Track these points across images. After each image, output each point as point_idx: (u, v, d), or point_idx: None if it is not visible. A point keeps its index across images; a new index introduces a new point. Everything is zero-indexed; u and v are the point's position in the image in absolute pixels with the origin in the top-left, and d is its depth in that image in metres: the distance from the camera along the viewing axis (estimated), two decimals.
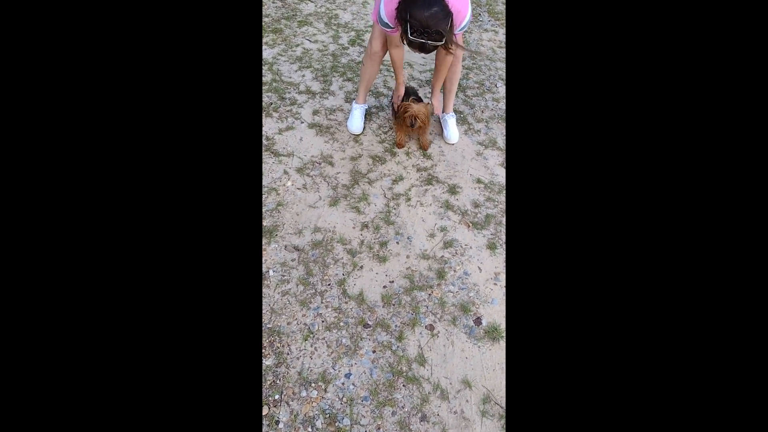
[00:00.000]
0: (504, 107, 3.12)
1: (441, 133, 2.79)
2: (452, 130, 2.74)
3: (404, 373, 1.65)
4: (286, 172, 2.43)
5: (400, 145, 2.65)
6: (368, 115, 2.90)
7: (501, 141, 2.81)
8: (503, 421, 1.55)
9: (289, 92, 3.03)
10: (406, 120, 2.39)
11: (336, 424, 1.50)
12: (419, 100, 2.55)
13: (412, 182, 2.46)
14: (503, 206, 2.37)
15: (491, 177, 2.54)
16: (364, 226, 2.19)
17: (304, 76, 3.22)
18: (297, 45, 3.57)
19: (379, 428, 1.51)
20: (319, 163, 2.51)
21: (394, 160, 2.60)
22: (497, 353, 1.75)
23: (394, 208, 2.30)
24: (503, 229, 2.24)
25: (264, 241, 2.06)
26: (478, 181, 2.51)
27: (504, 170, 2.60)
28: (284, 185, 2.36)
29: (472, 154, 2.69)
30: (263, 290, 1.86)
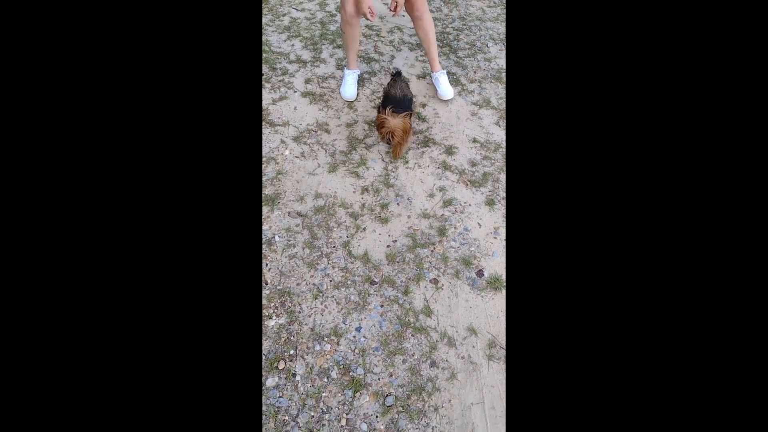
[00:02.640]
0: (496, 67, 3.11)
1: (435, 93, 2.80)
2: (444, 86, 2.74)
3: (412, 324, 1.73)
4: (283, 141, 2.44)
5: (396, 156, 2.39)
6: (361, 81, 2.88)
7: (495, 100, 2.82)
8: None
9: (280, 62, 2.99)
10: (382, 136, 2.21)
11: (350, 374, 1.58)
12: (407, 101, 2.30)
13: (408, 145, 2.48)
14: (500, 164, 2.40)
15: (487, 136, 2.56)
16: (365, 189, 2.23)
17: (293, 45, 3.17)
18: (284, 14, 3.50)
19: (391, 375, 1.59)
20: (315, 131, 2.52)
21: None
22: (500, 302, 1.82)
23: (393, 171, 2.33)
24: (501, 186, 2.29)
25: (267, 208, 2.09)
26: (474, 140, 2.53)
27: (499, 129, 2.62)
28: (282, 154, 2.37)
29: (466, 114, 2.71)
30: (271, 255, 1.91)
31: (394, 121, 2.15)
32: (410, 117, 2.22)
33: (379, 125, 2.20)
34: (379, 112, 2.28)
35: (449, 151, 2.45)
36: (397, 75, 2.41)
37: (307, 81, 2.86)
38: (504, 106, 2.79)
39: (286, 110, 2.63)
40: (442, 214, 2.14)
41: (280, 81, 2.83)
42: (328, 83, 2.86)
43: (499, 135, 2.58)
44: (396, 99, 2.27)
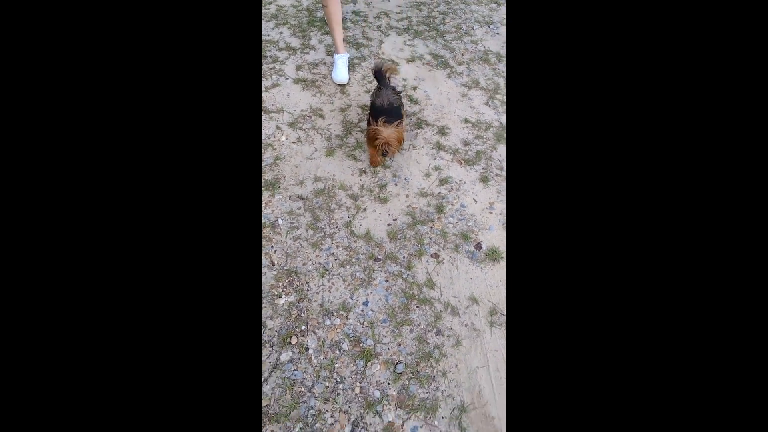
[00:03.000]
0: (482, 49, 3.16)
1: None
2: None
3: (416, 297, 1.80)
4: (278, 128, 2.47)
5: (374, 164, 2.31)
6: (351, 66, 2.91)
7: (483, 81, 2.88)
8: None
9: (270, 50, 3.00)
10: (377, 149, 2.10)
11: (361, 345, 1.65)
12: (394, 110, 2.21)
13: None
14: (492, 142, 2.47)
15: (477, 116, 2.63)
16: (362, 171, 2.28)
17: (281, 33, 3.17)
18: (270, 2, 3.49)
19: (399, 344, 1.66)
20: (310, 117, 2.55)
21: None
22: (498, 272, 1.91)
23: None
24: (494, 163, 2.36)
25: (268, 193, 2.13)
26: (466, 120, 2.60)
27: (489, 108, 2.68)
28: (279, 140, 2.40)
29: (456, 96, 2.76)
30: (275, 237, 1.96)
31: (388, 132, 2.05)
32: (401, 125, 2.13)
33: (371, 137, 2.09)
34: (369, 123, 2.19)
35: (442, 131, 2.52)
36: (378, 74, 2.28)
37: (298, 68, 2.87)
38: (492, 86, 2.85)
39: (279, 97, 2.65)
40: (439, 192, 2.21)
41: (271, 69, 2.84)
42: (319, 69, 2.88)
43: (490, 115, 2.65)
44: (383, 109, 2.17)
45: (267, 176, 2.21)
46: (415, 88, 2.79)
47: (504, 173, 2.32)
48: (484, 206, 2.16)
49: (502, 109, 2.70)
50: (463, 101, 2.72)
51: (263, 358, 1.58)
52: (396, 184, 2.23)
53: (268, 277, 1.81)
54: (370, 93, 2.40)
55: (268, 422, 1.44)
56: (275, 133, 2.44)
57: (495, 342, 1.69)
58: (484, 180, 2.27)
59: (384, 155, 2.10)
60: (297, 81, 2.77)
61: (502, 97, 2.78)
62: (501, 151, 2.44)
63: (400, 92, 2.38)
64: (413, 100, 2.71)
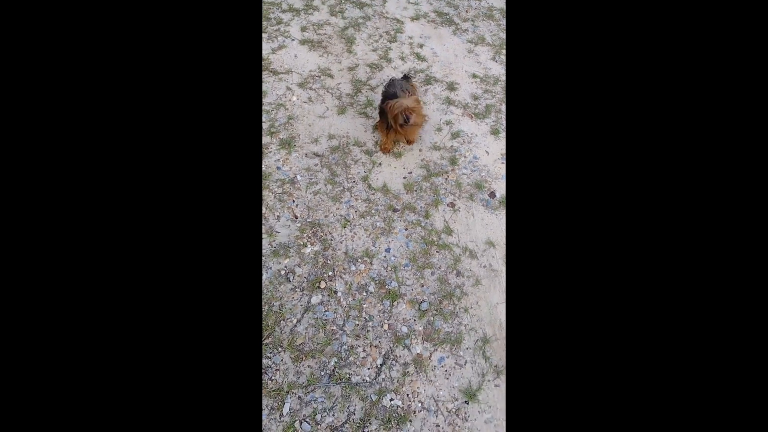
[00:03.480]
0: (486, 5, 3.15)
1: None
2: None
3: (435, 242, 1.88)
4: (289, 88, 2.48)
5: (386, 150, 2.20)
6: (356, 26, 2.90)
7: (489, 37, 2.88)
8: None
9: (273, 12, 2.97)
10: (398, 117, 1.96)
11: (386, 287, 1.74)
12: (410, 84, 2.14)
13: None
14: (501, 96, 2.51)
15: (485, 71, 2.65)
16: (375, 128, 2.31)
17: None
18: None
19: (422, 285, 1.75)
20: (319, 77, 2.57)
21: (390, 65, 2.66)
22: None
23: None
24: (503, 116, 2.40)
25: (285, 151, 2.17)
26: (474, 76, 2.62)
27: (496, 63, 2.70)
28: (290, 100, 2.42)
29: (463, 52, 2.77)
30: (296, 193, 2.01)
31: (406, 101, 1.95)
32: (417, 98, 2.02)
33: (391, 110, 1.98)
34: (382, 112, 2.10)
35: (451, 87, 2.54)
36: (402, 77, 2.23)
37: (303, 29, 2.86)
38: (498, 42, 2.86)
39: (286, 58, 2.65)
40: (452, 146, 2.26)
41: (276, 30, 2.83)
42: (324, 30, 2.87)
43: (497, 69, 2.67)
44: (396, 96, 2.07)
45: (282, 135, 2.24)
46: (421, 46, 2.80)
47: None
48: (496, 157, 2.22)
49: None
50: (469, 57, 2.73)
51: (296, 302, 1.67)
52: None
53: (292, 229, 1.88)
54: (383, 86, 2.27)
55: (304, 358, 1.54)
56: (286, 93, 2.46)
57: None
58: (495, 132, 2.32)
59: (406, 122, 1.96)
60: (303, 42, 2.76)
61: None
62: None
63: (410, 77, 2.28)
64: (420, 58, 2.71)
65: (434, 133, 2.31)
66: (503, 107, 2.45)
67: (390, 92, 2.10)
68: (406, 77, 2.23)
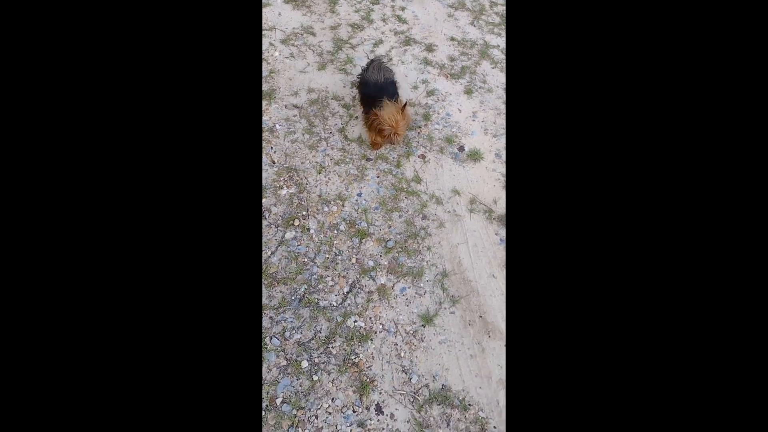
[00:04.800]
0: None
1: None
2: None
3: (405, 189, 2.01)
4: (272, 44, 2.55)
5: (376, 147, 2.13)
6: None
7: (469, 3, 2.96)
8: (487, 215, 1.96)
9: None
10: (383, 133, 1.89)
11: (356, 227, 1.87)
12: (389, 84, 2.03)
13: (391, 44, 2.64)
14: (476, 58, 2.61)
15: (463, 35, 2.74)
16: (354, 84, 2.41)
17: None
18: None
19: (390, 226, 1.89)
20: (302, 34, 2.63)
21: (372, 26, 2.74)
22: (479, 170, 2.11)
23: None
24: (477, 77, 2.51)
25: (265, 102, 2.26)
26: (452, 39, 2.71)
27: (474, 28, 2.79)
28: (272, 55, 2.50)
29: (443, 16, 2.85)
30: (274, 140, 2.12)
31: (387, 111, 1.84)
32: (405, 106, 1.88)
33: (373, 122, 1.90)
34: (365, 112, 2.00)
35: (429, 48, 2.63)
36: (372, 62, 2.12)
37: None
38: (478, 8, 2.94)
39: (270, 16, 2.71)
40: (426, 103, 2.36)
41: None
42: None
43: (475, 33, 2.76)
44: (378, 85, 1.98)
45: (263, 87, 2.33)
46: (403, 9, 2.87)
47: (487, 86, 2.48)
48: (468, 115, 2.33)
49: (487, 28, 2.81)
50: (449, 21, 2.82)
51: (270, 236, 1.79)
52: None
53: (269, 173, 1.99)
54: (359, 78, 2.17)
55: (276, 284, 1.67)
56: (268, 48, 2.53)
57: (473, 224, 1.92)
58: (468, 92, 2.43)
59: (391, 143, 1.89)
60: (287, 0, 2.81)
61: (486, 17, 2.87)
62: (485, 66, 2.58)
63: (390, 69, 2.14)
64: (401, 20, 2.79)
65: (410, 91, 2.41)
66: (478, 69, 2.55)
67: (372, 80, 1.99)
68: (373, 62, 2.11)
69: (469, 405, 1.49)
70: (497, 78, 2.55)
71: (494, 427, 1.45)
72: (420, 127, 2.25)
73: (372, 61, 2.12)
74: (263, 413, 1.41)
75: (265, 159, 2.04)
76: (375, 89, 1.98)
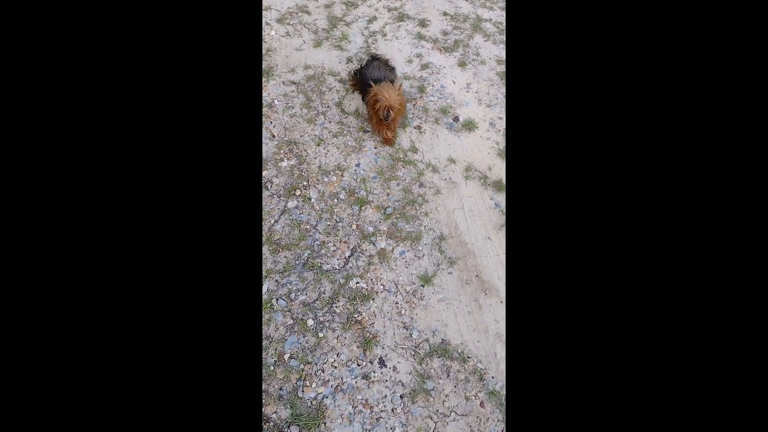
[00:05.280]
0: None
1: None
2: None
3: (402, 159, 2.06)
4: (267, 23, 2.59)
5: (389, 143, 2.14)
6: None
7: None
8: (482, 181, 2.01)
9: None
10: (378, 113, 1.94)
11: (355, 195, 1.93)
12: (390, 73, 2.10)
13: (385, 20, 2.67)
14: (469, 32, 2.64)
15: (456, 9, 2.77)
16: (349, 60, 2.45)
17: None
18: None
19: (388, 194, 1.95)
20: (297, 13, 2.66)
21: (366, 3, 2.76)
22: (474, 139, 2.17)
23: (373, 44, 2.54)
24: (470, 50, 2.55)
25: (263, 79, 2.31)
26: (444, 14, 2.74)
27: (466, 3, 2.82)
28: (269, 34, 2.53)
29: None
30: (273, 115, 2.17)
31: (387, 93, 1.92)
32: (401, 87, 2.00)
33: (372, 101, 1.96)
34: (365, 95, 2.04)
35: (423, 23, 2.66)
36: (373, 59, 2.16)
37: None
38: None
39: None
40: (421, 76, 2.41)
41: None
42: None
43: (467, 8, 2.79)
44: (377, 81, 2.03)
45: (262, 64, 2.37)
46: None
47: (480, 58, 2.52)
48: (462, 87, 2.38)
49: (479, 2, 2.83)
50: None
51: (273, 206, 1.86)
52: None
53: (270, 146, 2.05)
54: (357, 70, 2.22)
55: (280, 250, 1.74)
56: (264, 28, 2.56)
57: (469, 191, 1.98)
58: (462, 64, 2.47)
59: (385, 119, 1.94)
60: None
61: None
62: (477, 39, 2.62)
63: (393, 67, 2.21)
64: None
65: (405, 65, 2.45)
66: (471, 42, 2.59)
67: (373, 77, 2.04)
68: (375, 59, 2.16)
69: (468, 357, 1.56)
70: (490, 50, 2.58)
71: (492, 376, 1.53)
72: (415, 99, 2.30)
73: (373, 58, 2.13)
74: (272, 368, 1.48)
75: (265, 133, 2.09)
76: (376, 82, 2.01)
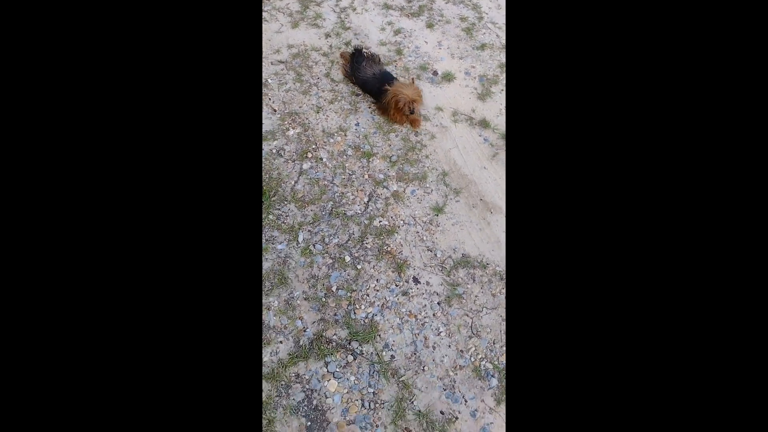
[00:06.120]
0: None
1: None
2: None
3: None
4: None
5: (416, 125, 2.26)
6: None
7: None
8: (468, 122, 2.27)
9: None
10: (404, 109, 2.11)
11: (361, 150, 2.14)
12: (385, 74, 2.28)
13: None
14: None
15: None
16: (327, 35, 2.63)
17: None
18: None
19: (390, 145, 2.17)
20: (269, 0, 2.81)
21: None
22: (454, 88, 2.41)
23: (346, 18, 2.73)
24: (435, 12, 2.78)
25: None
26: None
27: None
28: None
29: None
30: (270, 93, 2.33)
31: (407, 91, 2.10)
32: (413, 80, 2.23)
33: (393, 100, 2.11)
34: (381, 95, 2.20)
35: None
36: (357, 55, 2.33)
37: None
38: None
39: None
40: (396, 40, 2.62)
41: None
42: None
43: None
44: (376, 77, 2.25)
45: None
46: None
47: (445, 18, 2.76)
48: (434, 45, 2.61)
49: None
50: None
51: (290, 170, 2.04)
52: (358, 39, 2.61)
53: (273, 120, 2.22)
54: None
55: (306, 205, 1.93)
56: None
57: (459, 132, 2.23)
58: (430, 26, 2.70)
59: (411, 113, 2.13)
60: None
61: None
62: (439, 2, 2.85)
63: (378, 58, 2.39)
64: None
65: (379, 32, 2.66)
66: (434, 5, 2.82)
67: (368, 75, 2.25)
68: (360, 55, 2.32)
69: (487, 264, 1.82)
70: (451, 10, 2.83)
71: None
72: (395, 61, 2.52)
73: (359, 51, 2.32)
74: (324, 299, 1.69)
75: (266, 109, 2.26)
76: (375, 80, 2.24)
